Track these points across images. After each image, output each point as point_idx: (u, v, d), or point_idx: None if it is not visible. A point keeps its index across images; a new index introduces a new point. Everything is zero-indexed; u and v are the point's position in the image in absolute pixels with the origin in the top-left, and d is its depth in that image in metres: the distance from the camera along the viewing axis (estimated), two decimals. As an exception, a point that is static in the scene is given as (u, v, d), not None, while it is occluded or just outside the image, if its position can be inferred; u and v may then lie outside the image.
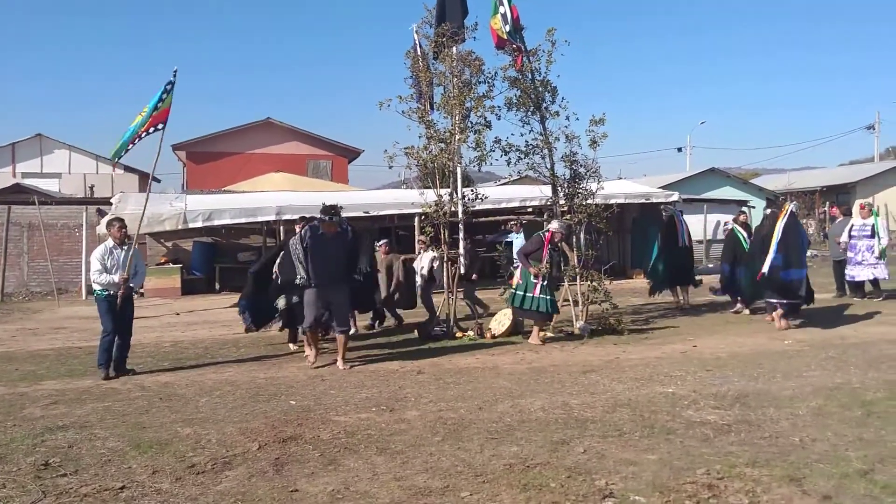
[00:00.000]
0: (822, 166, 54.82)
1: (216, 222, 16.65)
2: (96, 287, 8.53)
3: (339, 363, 8.63)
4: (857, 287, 13.89)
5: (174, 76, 9.61)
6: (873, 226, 13.63)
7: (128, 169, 37.62)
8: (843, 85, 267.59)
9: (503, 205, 18.26)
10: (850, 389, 6.63)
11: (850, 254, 13.65)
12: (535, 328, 9.97)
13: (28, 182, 31.29)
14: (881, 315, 11.63)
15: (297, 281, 8.55)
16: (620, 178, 20.70)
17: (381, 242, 12.26)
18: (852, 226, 13.78)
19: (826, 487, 4.21)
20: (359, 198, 20.02)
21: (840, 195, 36.23)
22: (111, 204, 17.45)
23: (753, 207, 26.76)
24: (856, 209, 14.40)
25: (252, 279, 10.00)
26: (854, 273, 13.69)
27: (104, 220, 15.36)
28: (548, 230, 10.33)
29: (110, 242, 8.77)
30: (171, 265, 19.19)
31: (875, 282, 13.67)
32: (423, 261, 11.63)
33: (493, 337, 10.45)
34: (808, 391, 6.59)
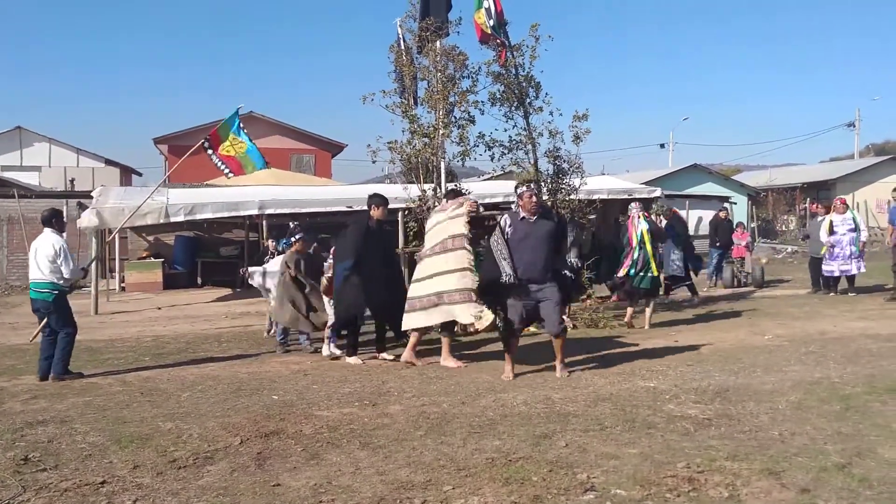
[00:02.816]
0: (803, 163, 55.34)
1: (198, 216, 16.55)
2: (62, 282, 7.91)
3: (558, 370, 7.46)
4: (835, 282, 13.98)
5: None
6: (854, 219, 13.74)
7: (109, 162, 37.36)
8: (824, 82, 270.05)
9: (487, 200, 18.22)
10: (830, 384, 6.70)
11: (835, 249, 13.66)
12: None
13: (7, 175, 30.97)
14: (861, 310, 11.76)
15: (503, 279, 7.22)
16: (603, 174, 20.72)
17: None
18: (832, 223, 13.82)
19: (804, 480, 4.25)
20: (342, 192, 19.96)
21: (821, 192, 36.57)
22: (92, 197, 17.31)
23: (735, 203, 27.02)
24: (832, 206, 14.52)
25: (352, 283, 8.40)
26: (832, 268, 13.77)
27: (85, 214, 15.27)
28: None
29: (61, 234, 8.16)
30: (153, 259, 19.08)
31: (851, 277, 13.80)
32: None
33: (476, 331, 10.46)
34: (788, 386, 6.66)
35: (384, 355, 8.64)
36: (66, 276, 7.82)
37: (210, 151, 11.74)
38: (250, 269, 10.66)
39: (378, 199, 8.70)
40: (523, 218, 7.42)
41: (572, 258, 7.40)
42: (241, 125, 11.83)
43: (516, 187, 7.63)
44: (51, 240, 7.85)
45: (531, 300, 7.32)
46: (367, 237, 8.36)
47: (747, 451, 4.81)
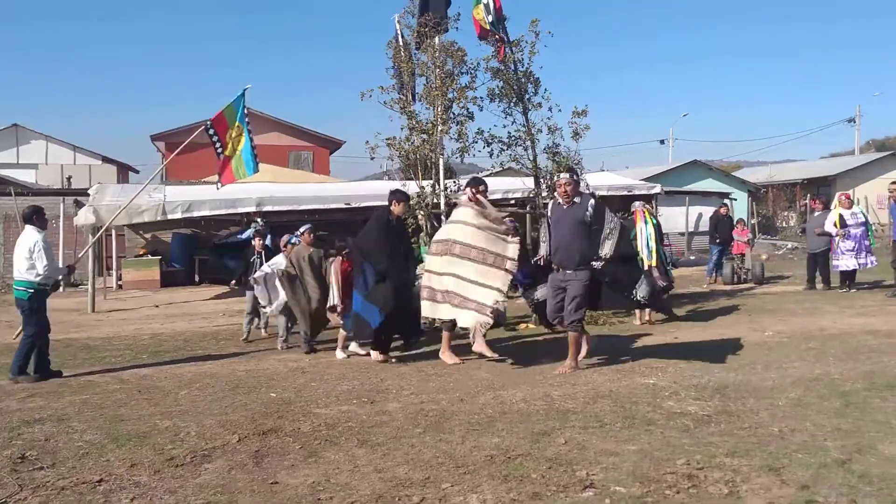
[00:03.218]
0: (803, 159, 55.32)
1: (195, 213, 16.50)
2: (37, 279, 7.63)
3: (565, 365, 7.44)
4: (845, 277, 13.90)
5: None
6: (862, 212, 13.69)
7: (106, 160, 37.31)
8: (824, 79, 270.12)
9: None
10: (829, 380, 6.68)
11: (846, 244, 13.56)
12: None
13: (4, 173, 30.93)
14: (860, 307, 11.74)
15: (534, 259, 7.70)
16: (603, 171, 20.65)
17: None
18: (841, 217, 13.70)
19: (804, 477, 4.23)
20: (341, 189, 19.93)
21: (821, 187, 36.55)
22: (89, 195, 17.26)
23: (735, 200, 26.98)
24: (837, 202, 14.46)
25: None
26: (843, 263, 13.69)
27: (82, 212, 15.22)
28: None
29: (41, 231, 7.82)
30: (150, 257, 19.03)
31: (853, 273, 13.75)
32: None
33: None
34: (788, 382, 6.64)
35: (375, 355, 8.31)
36: (39, 272, 7.58)
37: (216, 139, 11.31)
38: (257, 275, 9.94)
39: (400, 195, 8.46)
40: (559, 203, 7.52)
41: (606, 250, 7.26)
42: (247, 112, 11.44)
43: (557, 174, 7.74)
44: (28, 236, 7.69)
45: (562, 290, 7.41)
46: (389, 233, 8.16)
47: (747, 447, 4.79)
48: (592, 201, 7.46)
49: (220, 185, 11.81)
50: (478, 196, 8.00)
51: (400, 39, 11.48)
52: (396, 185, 12.04)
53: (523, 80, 10.90)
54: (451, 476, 4.42)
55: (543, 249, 7.62)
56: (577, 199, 7.43)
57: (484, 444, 5.03)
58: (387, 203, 8.38)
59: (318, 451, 5.02)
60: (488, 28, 10.71)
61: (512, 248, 7.69)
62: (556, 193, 7.69)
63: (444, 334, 8.18)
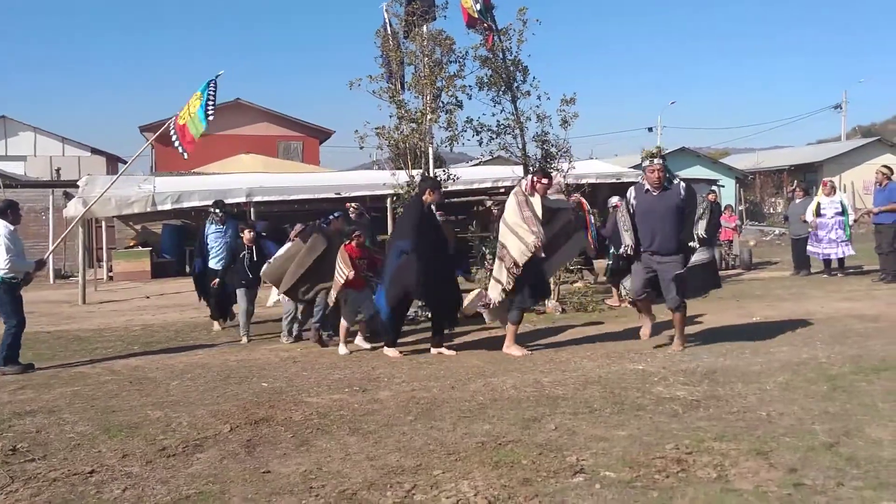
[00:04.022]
0: (790, 145, 55.52)
1: (185, 204, 16.49)
2: (3, 274, 7.64)
3: (675, 344, 7.67)
4: (827, 263, 14.04)
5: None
6: (842, 202, 13.80)
7: (95, 151, 37.10)
8: (811, 65, 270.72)
9: (475, 185, 18.23)
10: (817, 364, 6.74)
11: (821, 232, 13.74)
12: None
13: (-8, 165, 30.72)
14: (847, 291, 11.83)
15: (622, 250, 7.65)
16: (592, 158, 20.70)
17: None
18: (819, 204, 13.88)
19: (792, 460, 4.28)
20: (330, 179, 19.90)
21: (808, 174, 36.73)
22: (78, 186, 17.20)
23: (723, 186, 27.07)
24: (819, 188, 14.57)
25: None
26: (821, 251, 13.83)
27: (71, 204, 15.16)
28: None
29: (10, 225, 7.78)
30: (141, 248, 19.00)
31: (841, 259, 13.86)
32: None
33: (465, 316, 10.46)
34: (776, 366, 6.69)
35: (441, 350, 8.05)
36: (1, 265, 7.57)
37: (172, 130, 11.04)
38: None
39: (432, 183, 8.32)
40: (647, 190, 7.46)
41: (700, 231, 7.24)
42: (212, 89, 10.91)
43: (642, 160, 7.58)
44: None
45: (652, 270, 7.44)
46: (422, 219, 7.95)
47: (735, 431, 4.83)
48: (683, 184, 7.44)
49: (186, 154, 11.40)
50: (536, 186, 7.85)
51: (388, 28, 11.43)
52: (385, 174, 12.03)
53: (511, 68, 10.89)
54: (442, 463, 4.45)
55: (629, 239, 7.43)
56: (667, 185, 7.38)
57: (475, 431, 5.06)
58: (418, 192, 8.20)
59: (310, 439, 5.04)
60: (476, 16, 10.68)
61: (520, 250, 7.59)
62: (642, 180, 7.61)
63: (510, 328, 8.03)
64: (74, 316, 12.34)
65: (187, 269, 18.80)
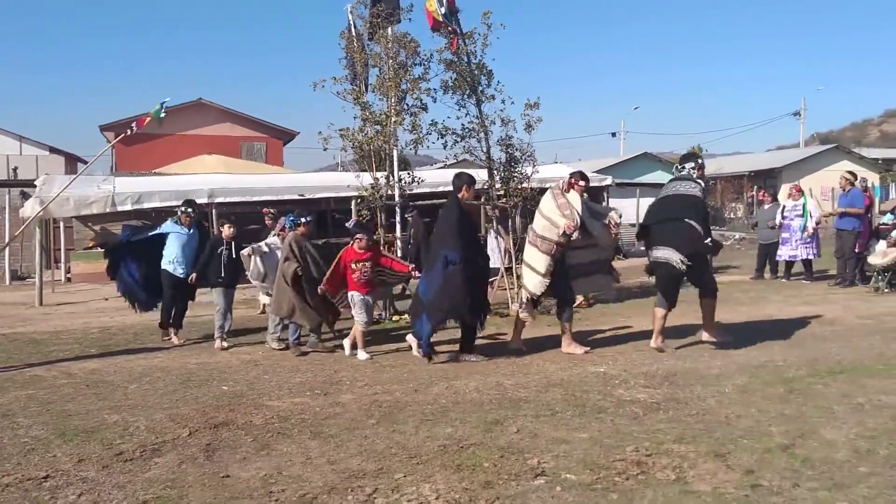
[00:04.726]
0: (750, 151, 56.47)
1: (146, 205, 16.23)
2: None
3: (706, 334, 7.92)
4: (788, 267, 14.27)
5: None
6: (804, 205, 14.05)
7: (53, 150, 36.42)
8: (770, 73, 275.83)
9: (440, 188, 18.19)
10: (774, 367, 6.85)
11: (784, 234, 13.98)
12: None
13: (-54, 164, 29.99)
14: (805, 295, 12.03)
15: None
16: (556, 163, 20.87)
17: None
18: (784, 207, 14.14)
19: (749, 462, 4.34)
20: (294, 181, 19.76)
21: (767, 179, 37.37)
22: (35, 186, 16.86)
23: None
24: (785, 192, 14.84)
25: None
26: (785, 253, 14.05)
27: (28, 203, 14.86)
28: None
29: None
30: (100, 249, 18.66)
31: (808, 263, 14.09)
32: None
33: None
34: (734, 369, 6.79)
35: (470, 356, 7.73)
36: None
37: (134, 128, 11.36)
38: (254, 246, 9.10)
39: (468, 178, 7.84)
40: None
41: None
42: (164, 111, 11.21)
43: (695, 160, 8.03)
44: None
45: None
46: (462, 222, 7.67)
47: (694, 433, 4.89)
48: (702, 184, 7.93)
49: (134, 128, 11.57)
50: (573, 187, 7.91)
51: (353, 30, 11.39)
52: (349, 176, 11.96)
53: (476, 72, 10.91)
54: (404, 466, 4.44)
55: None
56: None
57: (437, 434, 5.05)
58: (454, 190, 7.87)
59: (271, 443, 4.99)
60: (441, 20, 10.69)
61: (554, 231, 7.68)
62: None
63: (565, 325, 8.07)
64: (31, 318, 12.10)
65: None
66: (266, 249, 9.01)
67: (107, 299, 14.32)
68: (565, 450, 4.63)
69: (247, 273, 9.09)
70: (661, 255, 7.56)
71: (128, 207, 15.97)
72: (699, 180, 7.82)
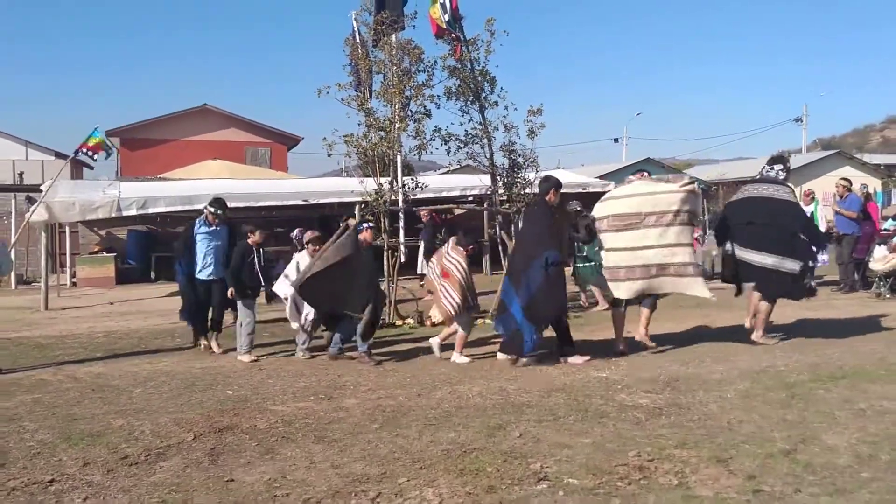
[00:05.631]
0: (753, 157, 56.34)
1: (151, 210, 16.28)
2: None
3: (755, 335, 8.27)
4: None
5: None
6: (813, 213, 14.04)
7: (59, 155, 36.51)
8: (773, 79, 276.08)
9: (444, 194, 18.28)
10: (776, 372, 6.85)
11: None
12: None
13: (-48, 169, 30.10)
14: (806, 300, 12.00)
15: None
16: (559, 168, 20.91)
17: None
18: None
19: (751, 467, 4.35)
20: (298, 186, 19.82)
21: (770, 186, 37.19)
22: (41, 191, 16.93)
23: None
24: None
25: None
26: None
27: (34, 208, 14.92)
28: None
29: None
30: (105, 254, 18.74)
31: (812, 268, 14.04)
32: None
33: (433, 324, 10.49)
34: (736, 374, 6.79)
35: (573, 359, 7.67)
36: None
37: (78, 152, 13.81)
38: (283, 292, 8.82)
39: (556, 182, 7.92)
40: None
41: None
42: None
43: (783, 162, 8.44)
44: None
45: None
46: (553, 225, 7.75)
47: (696, 439, 4.90)
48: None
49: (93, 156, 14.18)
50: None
51: (357, 37, 11.47)
52: (353, 182, 12.00)
53: (479, 78, 10.98)
54: (407, 471, 4.46)
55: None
56: None
57: (440, 439, 5.08)
58: (540, 192, 7.94)
59: (275, 447, 5.02)
60: (444, 27, 10.77)
61: (676, 200, 7.71)
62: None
63: (644, 312, 8.20)
64: (36, 322, 12.15)
65: (152, 276, 18.64)
66: (289, 289, 8.62)
67: (112, 303, 14.39)
68: (568, 454, 4.65)
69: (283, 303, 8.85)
70: (765, 261, 8.04)
71: (133, 212, 16.03)
72: (789, 184, 8.21)
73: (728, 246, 8.25)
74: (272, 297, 9.26)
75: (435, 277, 8.18)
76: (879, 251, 12.14)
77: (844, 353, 7.65)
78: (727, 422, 5.32)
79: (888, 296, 11.80)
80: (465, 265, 8.00)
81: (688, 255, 7.77)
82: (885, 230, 12.89)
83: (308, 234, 8.91)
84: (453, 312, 7.94)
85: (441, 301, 7.95)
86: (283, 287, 8.78)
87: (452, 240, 8.32)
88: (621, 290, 7.81)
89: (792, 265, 7.98)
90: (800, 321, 9.87)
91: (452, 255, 8.15)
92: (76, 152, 12.81)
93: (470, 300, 8.05)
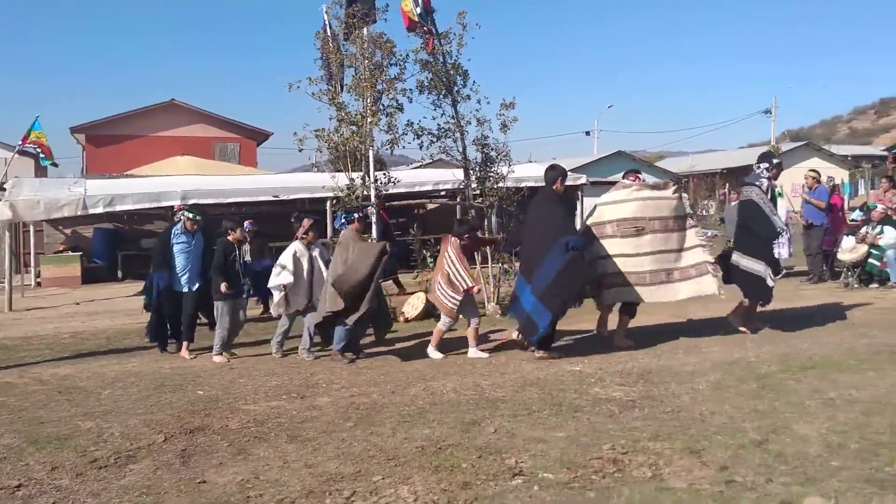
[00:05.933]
0: (722, 149, 57.02)
1: (118, 208, 16.03)
2: None
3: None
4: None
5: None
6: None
7: (23, 153, 35.88)
8: (742, 71, 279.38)
9: (416, 188, 18.20)
10: (747, 364, 6.93)
11: None
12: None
13: (-89, 167, 29.44)
14: (776, 291, 12.11)
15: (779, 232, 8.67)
16: (531, 162, 20.93)
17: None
18: None
19: (724, 458, 4.39)
20: (268, 181, 19.64)
21: (739, 177, 37.65)
22: (4, 189, 16.61)
23: (658, 189, 27.55)
24: None
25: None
26: None
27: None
28: None
29: None
30: (71, 253, 18.44)
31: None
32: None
33: (407, 320, 10.47)
34: (708, 366, 6.85)
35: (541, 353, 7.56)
36: None
37: (20, 145, 13.50)
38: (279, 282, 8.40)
39: (562, 171, 7.88)
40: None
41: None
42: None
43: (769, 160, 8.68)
44: None
45: None
46: (565, 212, 7.77)
47: (669, 431, 4.93)
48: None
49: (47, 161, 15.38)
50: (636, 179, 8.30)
51: (328, 30, 11.36)
52: (325, 177, 11.91)
53: (452, 72, 10.94)
54: (381, 469, 4.44)
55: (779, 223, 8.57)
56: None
57: (415, 436, 5.06)
58: (547, 182, 7.85)
59: (247, 448, 4.97)
60: (416, 20, 10.70)
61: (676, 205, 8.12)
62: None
63: (623, 318, 8.23)
64: (0, 323, 11.92)
65: (119, 275, 18.36)
66: (290, 277, 8.34)
67: (78, 303, 14.16)
68: (542, 449, 4.66)
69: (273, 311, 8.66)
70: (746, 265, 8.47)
71: (99, 210, 15.76)
72: (766, 180, 8.43)
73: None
74: (267, 298, 9.12)
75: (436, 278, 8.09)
76: (847, 242, 12.30)
77: (814, 343, 7.75)
78: (699, 413, 5.36)
79: (856, 286, 11.97)
80: (452, 253, 7.87)
81: (699, 255, 8.22)
82: (853, 220, 13.05)
83: (306, 222, 8.63)
84: (453, 308, 7.85)
85: (441, 301, 7.91)
86: (285, 276, 8.37)
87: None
88: (635, 294, 8.00)
89: (753, 264, 8.42)
90: (770, 312, 9.95)
91: (442, 246, 8.15)
92: (19, 146, 12.74)
93: (462, 283, 7.80)
